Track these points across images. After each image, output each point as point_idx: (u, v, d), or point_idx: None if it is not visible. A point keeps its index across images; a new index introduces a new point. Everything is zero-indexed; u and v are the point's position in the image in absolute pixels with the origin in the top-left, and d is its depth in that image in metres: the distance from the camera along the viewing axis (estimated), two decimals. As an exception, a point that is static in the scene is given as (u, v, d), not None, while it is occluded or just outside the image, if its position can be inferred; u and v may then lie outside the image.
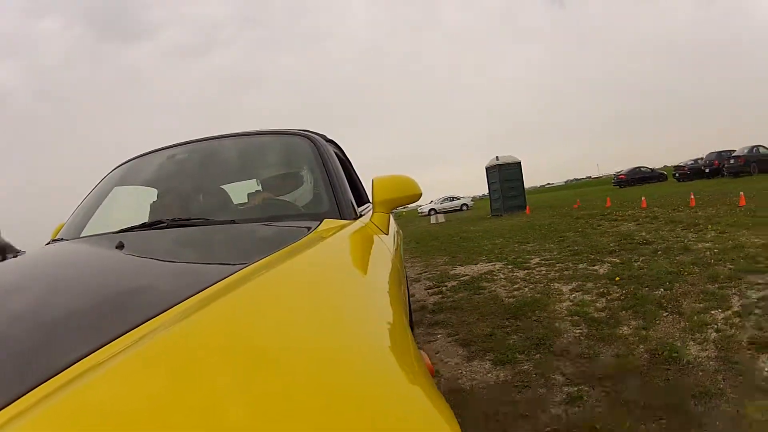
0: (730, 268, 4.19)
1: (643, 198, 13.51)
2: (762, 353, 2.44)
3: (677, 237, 6.30)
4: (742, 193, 9.62)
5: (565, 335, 3.16)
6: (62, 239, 1.59)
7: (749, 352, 2.49)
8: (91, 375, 0.39)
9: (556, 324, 3.40)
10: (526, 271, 5.60)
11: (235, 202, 1.74)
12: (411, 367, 0.50)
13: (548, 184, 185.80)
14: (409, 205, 1.83)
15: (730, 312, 3.10)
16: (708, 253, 4.95)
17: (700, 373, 2.31)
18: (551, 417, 2.15)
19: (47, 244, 1.63)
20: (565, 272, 5.15)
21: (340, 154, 2.33)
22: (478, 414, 2.27)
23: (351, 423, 0.36)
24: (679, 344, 2.68)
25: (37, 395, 0.37)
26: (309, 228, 1.13)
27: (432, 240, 11.66)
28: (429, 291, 5.27)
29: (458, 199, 33.86)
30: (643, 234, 7.02)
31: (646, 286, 4.03)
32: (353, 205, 1.56)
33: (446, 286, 5.41)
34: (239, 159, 1.85)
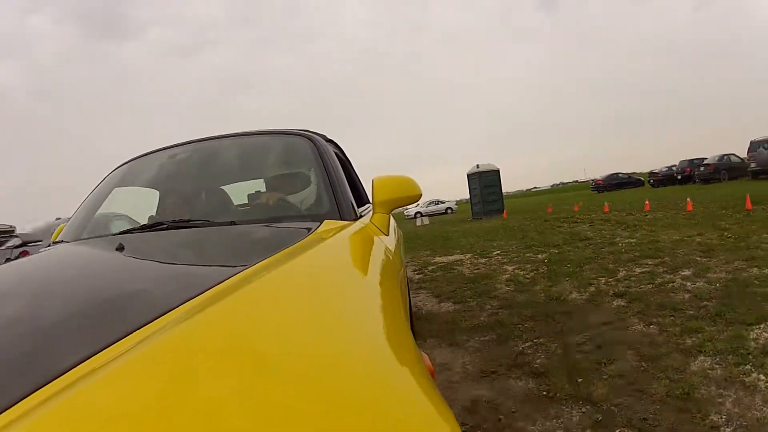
0: (634, 255, 5.84)
1: (606, 203, 15.37)
2: (618, 298, 4.07)
3: (613, 235, 8.01)
4: (689, 199, 11.32)
5: (500, 290, 4.91)
6: (63, 241, 1.61)
7: (609, 297, 4.13)
8: (91, 378, 0.40)
9: (496, 285, 5.16)
10: (487, 258, 7.35)
11: (235, 203, 1.76)
12: (411, 368, 0.51)
13: (534, 188, 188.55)
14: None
15: (611, 279, 4.76)
16: (626, 245, 6.65)
17: (571, 305, 3.98)
18: (480, 320, 3.88)
19: (48, 246, 1.65)
20: (515, 258, 6.88)
21: (340, 154, 2.36)
22: (442, 320, 4.02)
23: (352, 424, 0.37)
24: (566, 293, 4.36)
25: (37, 398, 0.37)
26: (309, 229, 1.15)
27: (417, 239, 13.30)
28: (414, 272, 6.95)
29: (443, 202, 35.57)
30: (589, 233, 8.73)
31: (565, 265, 5.74)
32: (353, 206, 1.58)
33: (428, 269, 7.11)
34: (239, 159, 1.85)
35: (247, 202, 1.79)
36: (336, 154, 2.01)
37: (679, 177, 26.94)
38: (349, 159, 2.85)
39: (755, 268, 4.24)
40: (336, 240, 1.08)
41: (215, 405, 0.36)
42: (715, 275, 4.27)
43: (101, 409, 0.36)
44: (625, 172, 37.82)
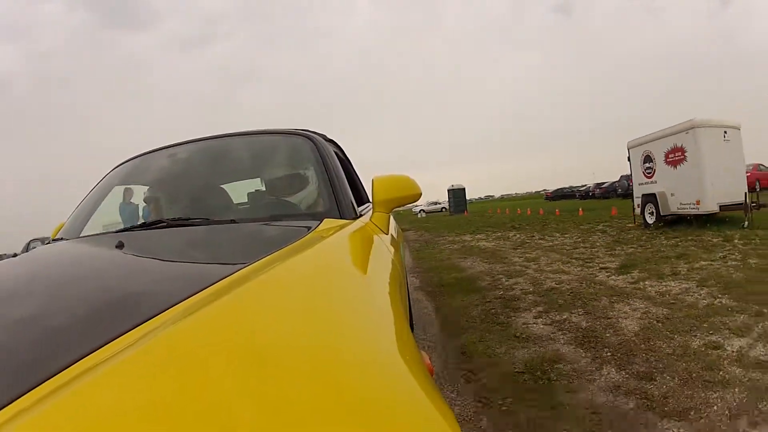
0: (464, 223, 24.26)
1: (507, 209, 33.49)
2: (448, 229, 22.71)
3: (480, 221, 26.29)
4: (540, 209, 29.78)
5: (428, 227, 24.08)
6: (62, 239, 1.69)
7: (454, 228, 22.55)
8: (91, 374, 0.42)
9: (427, 226, 24.34)
10: (432, 223, 26.31)
11: (235, 202, 1.85)
12: (411, 367, 0.54)
13: (544, 190, 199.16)
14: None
15: (449, 226, 23.30)
16: (473, 223, 25.06)
17: (439, 229, 22.48)
18: (422, 228, 22.85)
19: (47, 243, 1.74)
20: (440, 223, 25.57)
21: (340, 154, 2.48)
22: (417, 229, 23.28)
23: (351, 423, 0.39)
24: (440, 227, 22.91)
25: (37, 394, 0.39)
26: (309, 228, 1.21)
27: (417, 222, 31.73)
28: (409, 225, 25.80)
29: (440, 203, 52.14)
30: (473, 221, 27.08)
31: (450, 226, 24.30)
32: (353, 205, 1.66)
33: (413, 224, 26.14)
34: (239, 158, 1.94)
35: (247, 200, 1.89)
36: (336, 153, 2.09)
37: (590, 194, 38.86)
38: (349, 158, 2.91)
39: (489, 222, 22.82)
40: (336, 238, 1.12)
41: (213, 403, 0.37)
42: (474, 225, 22.82)
43: (103, 405, 0.37)
44: (574, 186, 53.71)
